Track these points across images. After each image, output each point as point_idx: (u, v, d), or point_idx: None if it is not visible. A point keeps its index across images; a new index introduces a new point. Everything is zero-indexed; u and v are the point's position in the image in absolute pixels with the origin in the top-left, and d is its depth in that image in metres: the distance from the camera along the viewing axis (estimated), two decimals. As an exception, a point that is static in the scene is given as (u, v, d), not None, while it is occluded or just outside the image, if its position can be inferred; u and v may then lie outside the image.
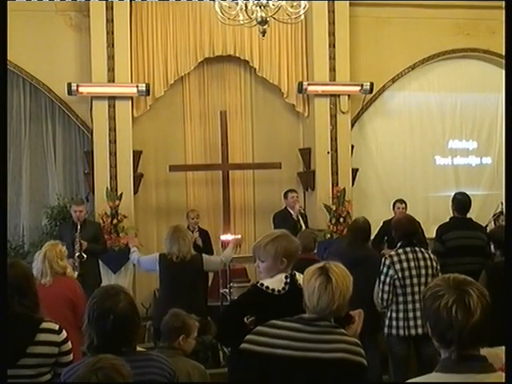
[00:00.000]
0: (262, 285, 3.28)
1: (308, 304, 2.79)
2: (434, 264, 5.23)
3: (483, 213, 8.86)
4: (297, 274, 3.38)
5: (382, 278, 5.17)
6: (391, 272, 5.14)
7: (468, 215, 6.56)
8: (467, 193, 6.77)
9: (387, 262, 5.18)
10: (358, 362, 2.75)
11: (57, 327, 3.16)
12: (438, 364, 2.11)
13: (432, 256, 5.31)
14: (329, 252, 5.91)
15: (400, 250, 5.24)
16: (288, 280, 3.28)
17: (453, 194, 6.89)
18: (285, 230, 3.59)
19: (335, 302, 2.74)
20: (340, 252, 5.55)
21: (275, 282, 3.27)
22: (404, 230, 5.38)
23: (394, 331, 5.18)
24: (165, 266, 5.65)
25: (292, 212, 8.26)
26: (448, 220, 6.62)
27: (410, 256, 5.19)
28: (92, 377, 2.21)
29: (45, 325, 3.14)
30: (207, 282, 7.19)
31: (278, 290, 3.24)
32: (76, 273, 4.99)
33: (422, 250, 5.31)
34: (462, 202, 6.54)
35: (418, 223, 5.95)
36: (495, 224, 8.00)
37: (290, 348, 2.76)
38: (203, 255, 5.93)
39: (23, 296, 3.13)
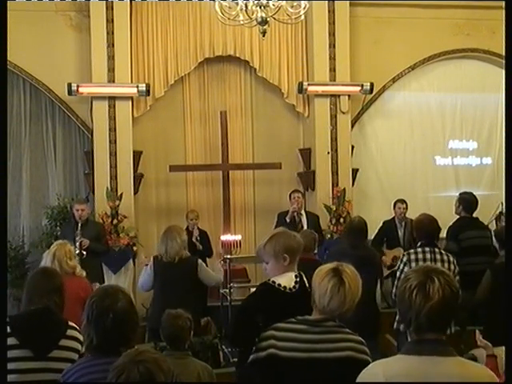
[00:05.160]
0: (273, 282, 3.27)
1: (318, 304, 2.81)
2: (452, 267, 5.12)
3: (483, 213, 8.82)
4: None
5: (398, 274, 5.18)
6: (406, 269, 5.08)
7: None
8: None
9: (404, 259, 5.19)
10: (364, 360, 2.79)
11: (77, 327, 3.25)
12: (403, 347, 2.24)
13: (451, 259, 5.22)
14: (329, 253, 5.86)
15: (419, 249, 5.23)
16: (298, 279, 3.28)
17: (456, 194, 6.87)
18: (283, 228, 3.60)
19: (346, 304, 2.79)
20: (342, 253, 5.44)
21: (286, 280, 3.27)
22: (425, 230, 5.33)
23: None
24: (157, 267, 5.63)
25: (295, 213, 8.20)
26: (459, 219, 6.59)
27: (428, 256, 5.16)
28: (133, 369, 2.09)
29: (70, 323, 3.30)
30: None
31: (290, 288, 3.24)
32: (84, 272, 4.92)
33: (442, 251, 5.26)
34: (470, 202, 6.53)
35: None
36: (497, 224, 8.00)
37: (295, 350, 2.79)
38: (202, 265, 5.77)
39: (57, 297, 3.33)
